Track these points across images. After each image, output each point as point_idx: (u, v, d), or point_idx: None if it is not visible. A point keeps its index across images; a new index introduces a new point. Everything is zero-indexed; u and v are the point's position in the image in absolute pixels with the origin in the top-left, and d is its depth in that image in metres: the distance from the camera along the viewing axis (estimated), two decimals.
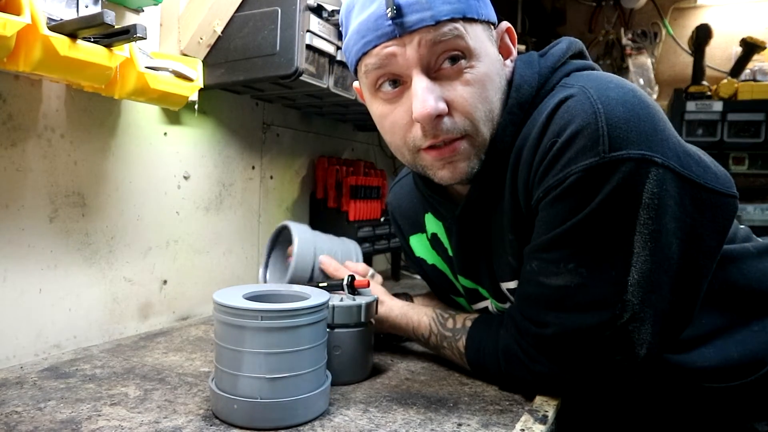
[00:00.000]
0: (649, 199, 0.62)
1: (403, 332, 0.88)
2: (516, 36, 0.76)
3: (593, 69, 0.75)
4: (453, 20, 0.66)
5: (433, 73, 0.68)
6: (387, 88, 0.70)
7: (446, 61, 0.67)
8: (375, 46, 0.68)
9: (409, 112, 0.68)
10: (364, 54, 0.69)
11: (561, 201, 0.64)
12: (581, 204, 0.63)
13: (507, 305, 0.82)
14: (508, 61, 0.75)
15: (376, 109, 0.73)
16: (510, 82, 0.74)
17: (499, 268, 0.79)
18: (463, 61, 0.67)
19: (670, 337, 0.69)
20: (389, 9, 0.64)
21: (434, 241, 0.93)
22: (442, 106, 0.67)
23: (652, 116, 0.64)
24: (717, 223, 0.68)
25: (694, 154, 0.68)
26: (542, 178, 0.66)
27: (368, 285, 0.84)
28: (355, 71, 0.74)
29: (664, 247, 0.64)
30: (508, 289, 0.79)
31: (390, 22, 0.65)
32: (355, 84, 0.79)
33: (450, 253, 0.89)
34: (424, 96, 0.66)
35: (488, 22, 0.71)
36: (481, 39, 0.69)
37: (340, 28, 0.76)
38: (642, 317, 0.65)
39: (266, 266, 1.00)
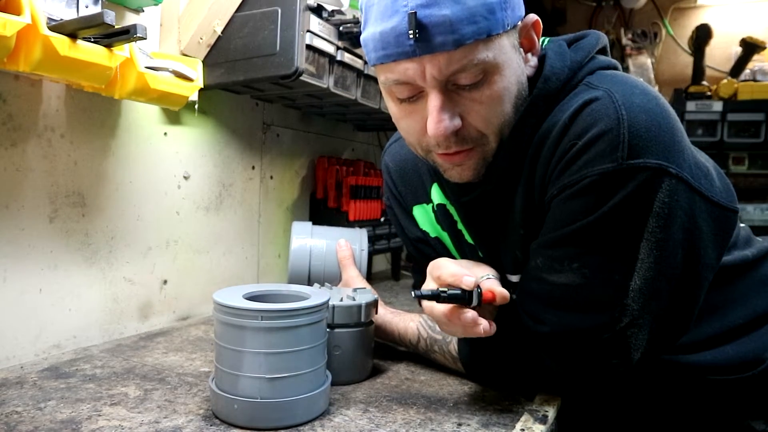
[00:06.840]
0: (660, 208, 0.63)
1: (389, 339, 0.89)
2: (542, 27, 0.73)
3: (616, 68, 0.75)
4: (476, 42, 0.63)
5: (450, 86, 0.66)
6: (404, 95, 0.68)
7: (464, 79, 0.65)
8: (395, 61, 0.65)
9: (423, 120, 0.67)
10: (383, 64, 0.67)
11: (574, 200, 0.65)
12: (594, 206, 0.63)
13: None
14: (529, 55, 0.72)
15: (392, 108, 0.72)
16: (533, 75, 0.72)
17: (505, 260, 0.79)
18: (481, 79, 0.65)
19: (665, 344, 0.70)
20: (411, 31, 0.61)
21: (440, 212, 0.89)
22: (456, 124, 0.66)
23: (671, 126, 0.64)
24: (719, 236, 0.69)
25: (703, 166, 0.69)
26: (559, 175, 0.66)
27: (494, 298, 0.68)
28: (373, 65, 0.71)
29: (669, 256, 0.64)
30: (511, 282, 0.79)
31: (412, 42, 0.62)
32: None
33: (459, 226, 0.86)
34: (438, 116, 0.65)
35: (514, 27, 0.67)
36: (504, 50, 0.66)
37: (359, 15, 0.73)
38: (640, 323, 0.65)
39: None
